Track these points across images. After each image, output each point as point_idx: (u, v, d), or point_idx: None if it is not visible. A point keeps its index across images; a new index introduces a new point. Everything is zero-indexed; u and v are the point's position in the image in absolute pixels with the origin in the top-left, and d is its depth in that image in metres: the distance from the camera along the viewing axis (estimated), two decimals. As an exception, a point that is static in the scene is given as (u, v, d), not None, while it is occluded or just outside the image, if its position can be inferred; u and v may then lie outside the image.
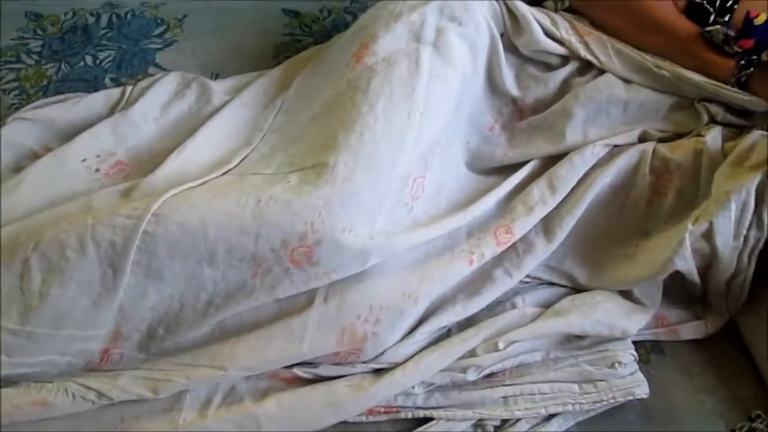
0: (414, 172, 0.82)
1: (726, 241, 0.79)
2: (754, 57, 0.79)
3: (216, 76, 1.09)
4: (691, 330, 0.88)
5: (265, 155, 0.87)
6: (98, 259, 0.72)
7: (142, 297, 0.74)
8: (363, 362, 0.78)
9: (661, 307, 0.89)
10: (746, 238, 0.78)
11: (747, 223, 0.78)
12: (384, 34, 0.87)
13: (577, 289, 0.90)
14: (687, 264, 0.81)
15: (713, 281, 0.84)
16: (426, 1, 0.89)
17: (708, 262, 0.82)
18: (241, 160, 0.87)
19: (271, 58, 1.13)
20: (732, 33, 0.80)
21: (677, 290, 0.90)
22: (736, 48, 0.81)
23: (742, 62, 0.80)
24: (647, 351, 0.88)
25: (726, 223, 0.78)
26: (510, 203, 0.88)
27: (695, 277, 0.84)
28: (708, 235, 0.79)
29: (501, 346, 0.80)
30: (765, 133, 0.81)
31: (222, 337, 0.76)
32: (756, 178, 0.76)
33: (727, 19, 0.86)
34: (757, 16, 0.78)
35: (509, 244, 0.84)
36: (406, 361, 0.78)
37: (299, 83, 0.98)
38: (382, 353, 0.78)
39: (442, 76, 0.86)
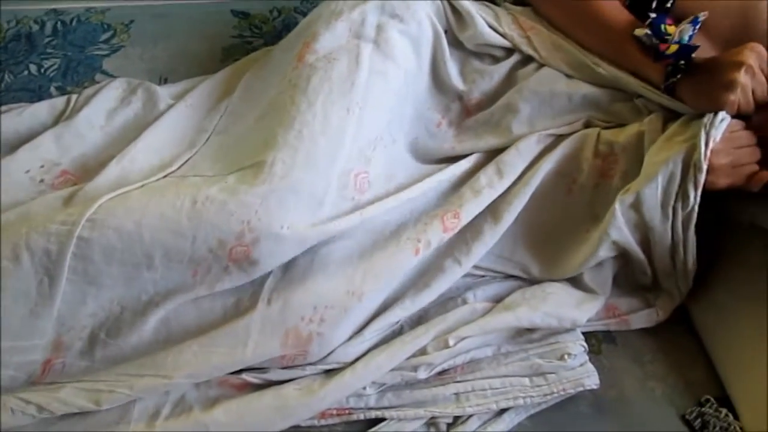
0: (355, 167, 0.82)
1: (653, 211, 0.79)
2: (681, 63, 0.79)
3: (164, 81, 1.07)
4: (642, 319, 0.89)
5: (208, 157, 0.86)
6: (33, 268, 0.71)
7: (81, 304, 0.74)
8: (312, 364, 0.78)
9: (613, 296, 0.90)
10: (674, 209, 0.79)
11: (673, 194, 0.78)
12: (324, 32, 0.88)
13: (530, 281, 0.90)
14: (622, 235, 0.82)
15: (658, 258, 0.85)
16: None
17: (644, 234, 0.82)
18: (184, 163, 0.86)
19: (220, 61, 1.12)
20: (656, 40, 0.80)
21: (628, 279, 0.91)
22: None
23: (669, 68, 0.80)
24: (599, 341, 0.88)
25: (653, 194, 0.78)
26: (458, 190, 0.87)
27: (638, 252, 0.84)
28: (636, 206, 0.80)
29: (451, 342, 0.80)
30: None
31: (166, 344, 0.75)
32: (683, 151, 0.77)
33: (669, 5, 0.86)
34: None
35: (457, 230, 0.84)
36: (355, 361, 0.78)
37: (244, 85, 0.97)
38: (330, 353, 0.78)
39: (382, 73, 0.86)
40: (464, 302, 0.86)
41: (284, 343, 0.75)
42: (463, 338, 0.81)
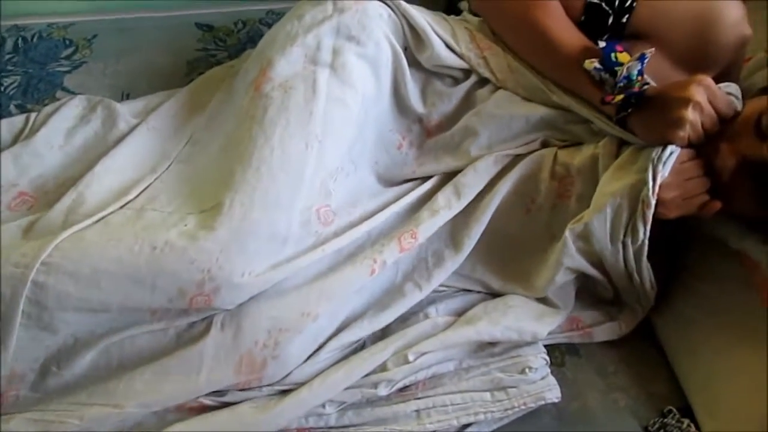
0: (316, 202, 0.81)
1: (603, 243, 0.79)
2: (632, 99, 0.78)
3: (127, 97, 1.06)
4: (605, 332, 0.89)
5: (169, 188, 0.84)
6: None
7: (36, 342, 0.72)
8: (269, 385, 0.77)
9: (576, 309, 0.90)
10: (624, 244, 0.79)
11: (622, 228, 0.77)
12: (280, 59, 0.85)
13: (493, 294, 0.90)
14: (576, 262, 0.82)
15: (616, 279, 0.85)
16: (322, 21, 0.87)
17: (598, 260, 0.82)
18: (144, 189, 0.84)
19: (184, 75, 1.11)
20: (605, 74, 0.79)
21: (591, 293, 0.92)
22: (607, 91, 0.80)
23: (620, 102, 0.78)
24: (562, 354, 0.88)
25: (601, 226, 0.78)
26: (416, 212, 0.87)
27: (596, 274, 0.84)
28: (585, 236, 0.79)
29: (411, 358, 0.79)
30: None
31: (118, 371, 0.74)
32: (631, 185, 0.76)
33: (625, 20, 0.86)
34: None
35: (413, 249, 0.84)
36: (313, 378, 0.77)
37: (211, 114, 0.95)
38: (287, 375, 0.77)
39: (340, 100, 0.84)
40: (426, 317, 0.85)
41: (238, 371, 0.74)
42: (424, 353, 0.80)
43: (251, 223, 0.74)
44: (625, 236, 0.78)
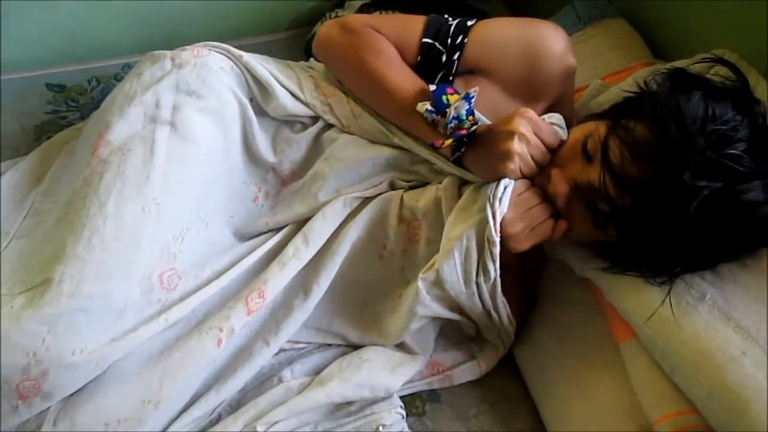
0: (158, 267, 0.77)
1: (456, 287, 0.78)
2: (465, 138, 0.78)
3: (-32, 170, 1.01)
4: (464, 373, 0.88)
5: (4, 269, 0.78)
6: None
7: None
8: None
9: (438, 350, 0.90)
10: (478, 284, 0.78)
11: (473, 270, 0.77)
12: (118, 120, 0.82)
13: (353, 346, 0.88)
14: (430, 310, 0.80)
15: (476, 318, 0.84)
16: (161, 78, 0.84)
17: (454, 303, 0.81)
18: None
19: (33, 141, 1.06)
20: (437, 115, 0.79)
21: (453, 332, 0.91)
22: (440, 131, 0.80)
23: (453, 143, 0.79)
24: (423, 402, 0.87)
25: (452, 271, 0.77)
26: (267, 265, 0.84)
27: (454, 316, 0.83)
28: (438, 283, 0.78)
29: (260, 429, 0.77)
30: None
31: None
32: (474, 226, 0.76)
33: (457, 57, 0.86)
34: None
35: (262, 309, 0.81)
36: (158, 464, 0.74)
37: (50, 178, 0.90)
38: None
39: (181, 158, 0.81)
40: (280, 381, 0.83)
41: None
42: (276, 422, 0.78)
43: (82, 298, 0.70)
44: (477, 277, 0.78)
